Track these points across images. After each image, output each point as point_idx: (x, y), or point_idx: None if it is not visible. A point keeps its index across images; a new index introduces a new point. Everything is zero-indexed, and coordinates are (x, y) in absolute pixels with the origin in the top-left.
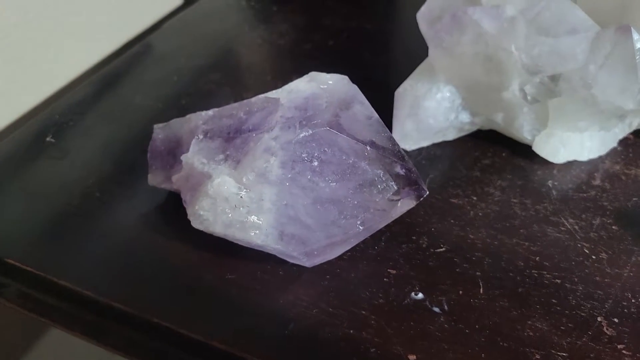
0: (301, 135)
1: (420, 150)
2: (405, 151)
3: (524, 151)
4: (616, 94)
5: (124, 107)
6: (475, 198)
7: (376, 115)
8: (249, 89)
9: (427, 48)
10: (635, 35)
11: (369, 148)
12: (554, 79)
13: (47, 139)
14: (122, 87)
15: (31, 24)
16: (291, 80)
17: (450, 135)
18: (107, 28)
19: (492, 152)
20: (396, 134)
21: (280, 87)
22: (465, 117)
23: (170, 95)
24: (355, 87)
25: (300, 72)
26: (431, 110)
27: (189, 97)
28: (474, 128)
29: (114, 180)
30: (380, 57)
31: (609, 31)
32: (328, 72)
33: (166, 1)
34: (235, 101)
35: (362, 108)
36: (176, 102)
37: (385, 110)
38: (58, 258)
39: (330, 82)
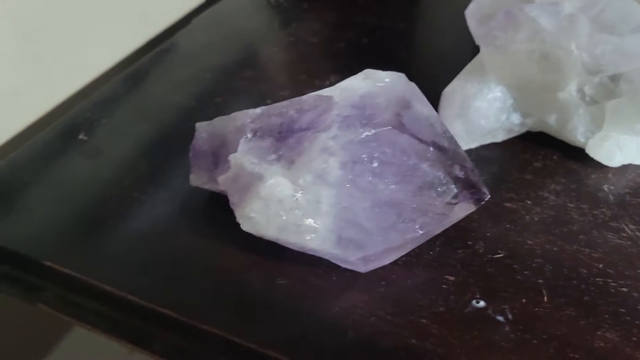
0: (363, 134)
1: (469, 151)
2: None
3: (576, 154)
4: None
5: (157, 104)
6: (529, 202)
7: (436, 114)
8: (285, 87)
9: (465, 46)
10: None
11: (431, 149)
12: (614, 79)
13: (80, 136)
14: (154, 85)
15: (56, 17)
16: (328, 79)
17: (500, 137)
18: (130, 24)
19: (542, 154)
20: None
21: (318, 86)
22: (516, 118)
23: (204, 93)
24: (413, 85)
25: (337, 71)
26: (482, 111)
27: (224, 95)
28: (524, 130)
29: (152, 180)
30: (417, 56)
31: None
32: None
33: None
34: (274, 100)
35: (423, 107)
36: (211, 100)
37: None
38: (98, 261)
39: (387, 79)
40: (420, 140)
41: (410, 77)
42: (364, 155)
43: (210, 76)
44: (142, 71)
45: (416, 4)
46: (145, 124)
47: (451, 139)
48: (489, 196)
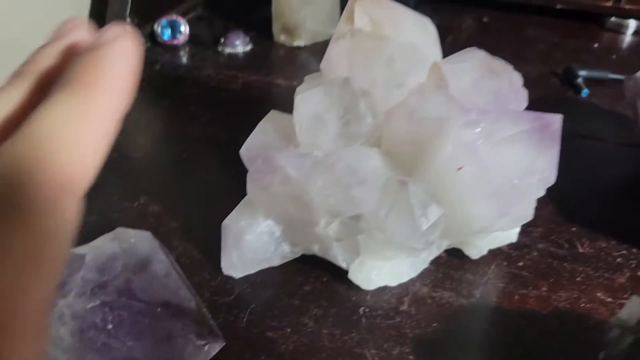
0: (90, 305)
1: (247, 277)
2: (233, 279)
3: (344, 275)
4: (404, 237)
5: None
6: (289, 330)
7: (174, 271)
8: (93, 211)
9: None
10: (411, 189)
11: (161, 308)
12: (356, 218)
13: None
14: None
15: None
16: (138, 201)
17: (276, 262)
18: None
19: (314, 277)
20: (224, 263)
21: (128, 208)
22: (286, 247)
23: None
24: (157, 244)
25: (148, 192)
26: (252, 244)
27: None
28: (297, 255)
29: None
30: (229, 171)
31: (393, 181)
32: (174, 191)
33: None
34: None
35: (161, 266)
36: None
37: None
38: None
39: (133, 240)
40: (151, 302)
41: (214, 197)
42: (97, 320)
43: None
44: None
45: (250, 114)
46: None
47: (186, 295)
48: (224, 343)
